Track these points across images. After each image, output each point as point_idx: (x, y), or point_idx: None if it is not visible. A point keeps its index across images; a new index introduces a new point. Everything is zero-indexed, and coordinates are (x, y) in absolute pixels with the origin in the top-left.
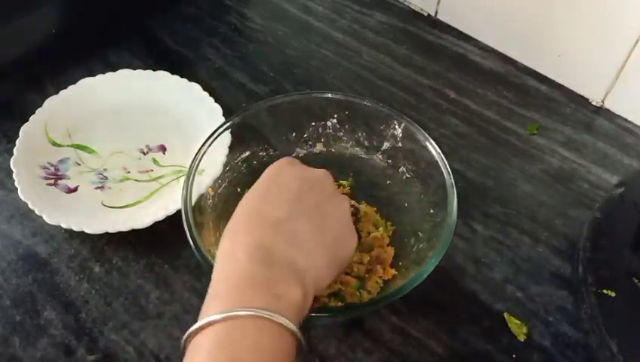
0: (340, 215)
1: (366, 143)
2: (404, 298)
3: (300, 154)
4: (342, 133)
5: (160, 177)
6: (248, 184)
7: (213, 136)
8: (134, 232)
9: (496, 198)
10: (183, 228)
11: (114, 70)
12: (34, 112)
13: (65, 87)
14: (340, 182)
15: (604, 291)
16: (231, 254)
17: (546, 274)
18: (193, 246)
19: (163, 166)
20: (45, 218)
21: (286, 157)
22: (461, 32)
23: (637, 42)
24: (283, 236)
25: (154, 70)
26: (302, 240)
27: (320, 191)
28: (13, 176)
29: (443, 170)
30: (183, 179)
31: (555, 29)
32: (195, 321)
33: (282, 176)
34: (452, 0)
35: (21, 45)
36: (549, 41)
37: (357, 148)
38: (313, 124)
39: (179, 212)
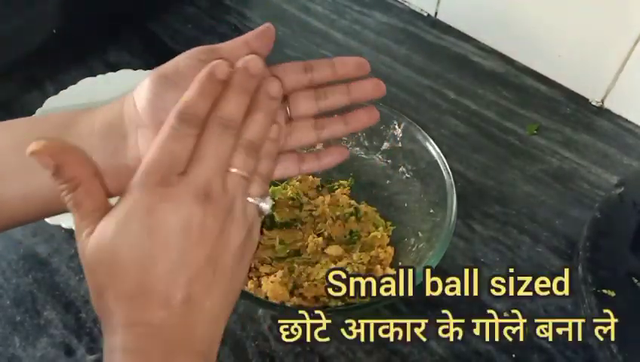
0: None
1: (366, 143)
2: (404, 298)
3: None
4: None
5: None
6: None
7: None
8: None
9: (496, 198)
10: None
11: (114, 70)
12: (34, 112)
13: (65, 87)
14: (340, 182)
15: (604, 291)
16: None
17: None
18: None
19: None
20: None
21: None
22: (461, 32)
23: (637, 42)
24: None
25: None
26: None
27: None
28: None
29: (443, 170)
30: None
31: (554, 29)
32: None
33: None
34: (452, 0)
35: (21, 45)
36: (549, 41)
37: (357, 148)
38: None
39: None
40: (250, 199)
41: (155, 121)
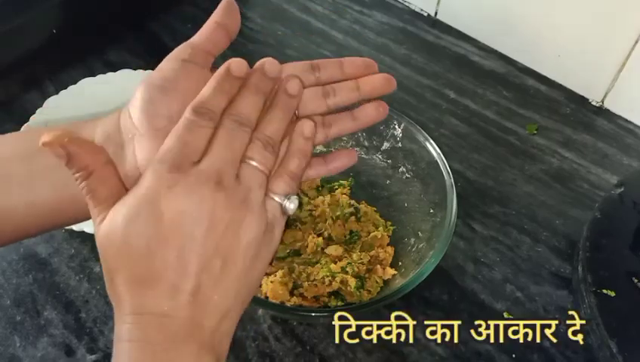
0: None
1: (366, 143)
2: (404, 298)
3: None
4: None
5: None
6: None
7: None
8: None
9: (496, 198)
10: None
11: (114, 70)
12: (34, 112)
13: (65, 87)
14: (340, 182)
15: (604, 291)
16: None
17: (546, 273)
18: None
19: None
20: None
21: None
22: (461, 32)
23: (637, 42)
24: None
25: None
26: None
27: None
28: None
29: (443, 170)
30: None
31: (555, 29)
32: None
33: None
34: (452, 0)
35: (21, 45)
36: (549, 41)
37: (357, 149)
38: None
39: None
40: (274, 196)
41: (150, 129)
